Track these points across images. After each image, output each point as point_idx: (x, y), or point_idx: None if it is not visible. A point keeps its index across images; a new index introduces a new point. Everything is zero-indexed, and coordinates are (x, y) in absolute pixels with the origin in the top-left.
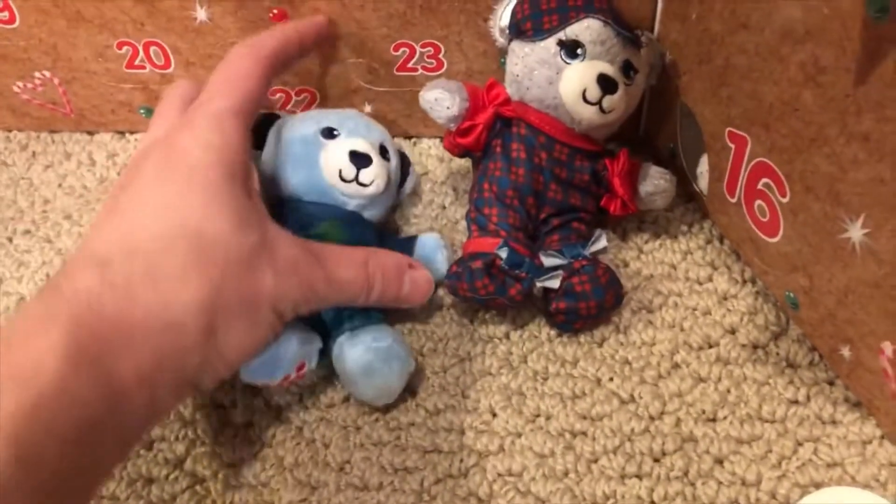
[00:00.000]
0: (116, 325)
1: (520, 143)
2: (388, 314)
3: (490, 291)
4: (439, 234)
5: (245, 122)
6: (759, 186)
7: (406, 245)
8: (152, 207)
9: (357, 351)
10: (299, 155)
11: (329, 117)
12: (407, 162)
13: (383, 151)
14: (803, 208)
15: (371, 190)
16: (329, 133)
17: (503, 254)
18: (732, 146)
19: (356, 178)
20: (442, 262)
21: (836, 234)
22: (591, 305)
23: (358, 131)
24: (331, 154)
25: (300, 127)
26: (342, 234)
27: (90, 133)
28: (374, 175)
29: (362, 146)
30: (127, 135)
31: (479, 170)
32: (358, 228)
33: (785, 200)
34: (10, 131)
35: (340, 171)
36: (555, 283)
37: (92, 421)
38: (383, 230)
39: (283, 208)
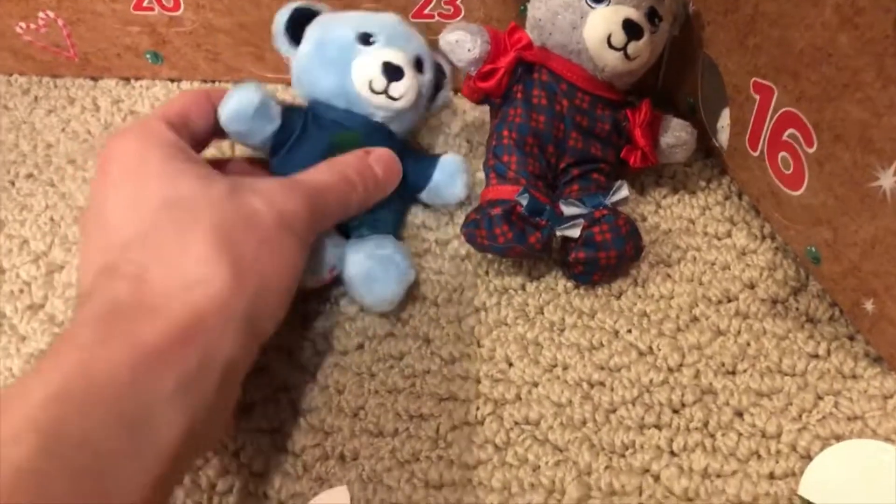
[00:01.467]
0: (137, 299)
1: (541, 90)
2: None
3: (509, 239)
4: (463, 158)
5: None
6: (784, 138)
7: (427, 164)
8: (122, 206)
9: (358, 257)
10: (333, 59)
11: (369, 22)
12: (442, 75)
13: (418, 64)
14: (831, 158)
15: (400, 104)
16: (366, 39)
17: (524, 200)
18: (757, 97)
19: (386, 91)
20: (460, 188)
21: (865, 182)
22: (611, 255)
23: (395, 41)
24: (363, 63)
25: (338, 29)
26: (357, 145)
27: (94, 79)
28: (405, 89)
29: (397, 58)
30: (132, 81)
31: (499, 117)
32: (378, 142)
33: (811, 151)
34: (10, 75)
35: (371, 82)
36: (575, 232)
37: (126, 389)
38: (405, 146)
39: (311, 109)
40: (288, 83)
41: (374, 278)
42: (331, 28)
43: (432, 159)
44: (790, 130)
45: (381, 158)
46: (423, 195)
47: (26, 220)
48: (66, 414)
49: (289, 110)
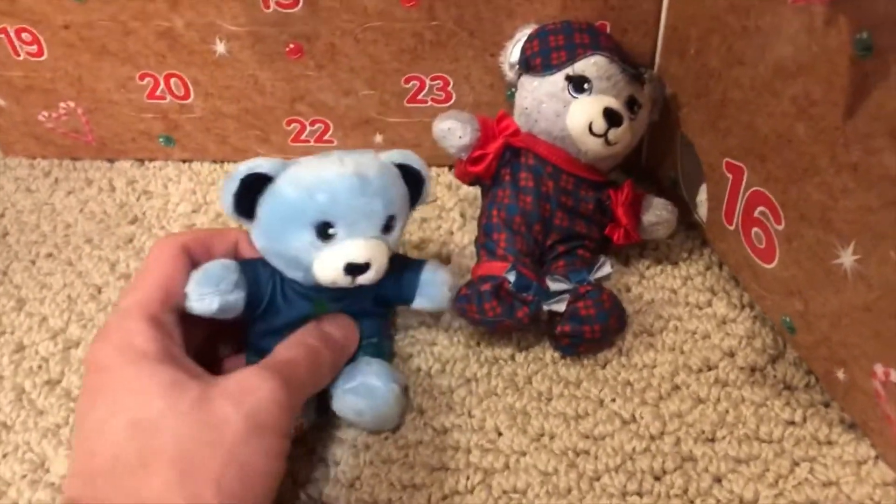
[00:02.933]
0: None
1: (528, 172)
2: (386, 344)
3: (498, 314)
4: (440, 267)
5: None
6: (756, 214)
7: (409, 280)
8: (95, 429)
9: (336, 393)
10: (294, 259)
11: (326, 206)
12: (420, 180)
13: (389, 224)
14: (797, 235)
15: (367, 283)
16: (324, 231)
17: (511, 277)
18: (730, 176)
19: (352, 281)
20: (439, 289)
21: (828, 260)
22: (596, 329)
23: (357, 226)
24: (325, 265)
25: (292, 220)
26: (329, 310)
27: (110, 160)
28: (374, 275)
29: (361, 254)
30: (146, 162)
31: (488, 197)
32: (348, 300)
33: (780, 228)
34: (34, 158)
35: (335, 281)
36: (561, 307)
37: None
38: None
39: (281, 283)
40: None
41: (359, 412)
42: (284, 218)
43: (413, 275)
44: (760, 208)
45: (334, 321)
46: (415, 305)
47: (45, 298)
48: None
49: (254, 282)
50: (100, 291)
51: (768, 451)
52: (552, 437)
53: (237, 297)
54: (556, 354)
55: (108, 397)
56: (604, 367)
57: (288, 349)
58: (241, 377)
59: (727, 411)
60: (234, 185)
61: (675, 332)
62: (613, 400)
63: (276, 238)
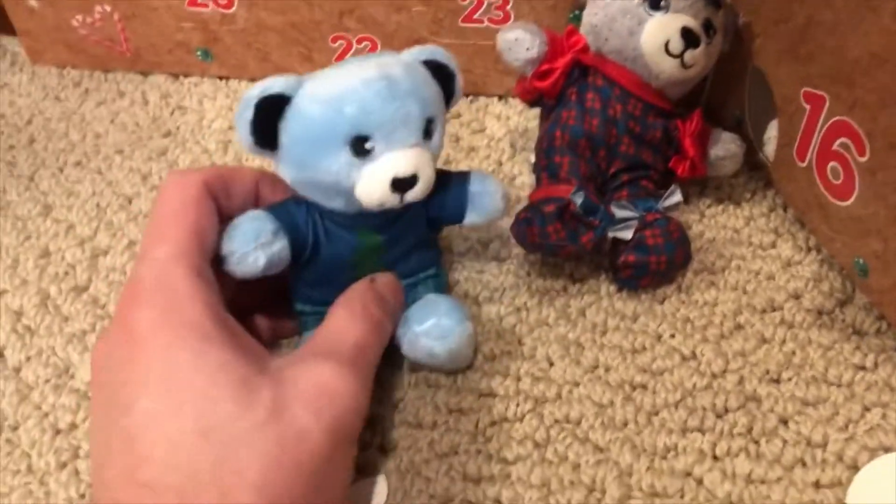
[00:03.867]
0: None
1: (595, 94)
2: (444, 274)
3: (561, 238)
4: (486, 175)
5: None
6: (835, 147)
7: (457, 191)
8: (151, 422)
9: (407, 341)
10: (332, 184)
11: (358, 118)
12: (450, 76)
13: (428, 128)
14: (884, 167)
15: (416, 199)
16: (361, 147)
17: (578, 199)
18: (807, 107)
19: (401, 199)
20: (495, 193)
21: None
22: (662, 260)
23: (396, 134)
24: (370, 185)
25: (322, 142)
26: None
27: (144, 73)
28: (421, 190)
29: (406, 165)
30: (181, 77)
31: (551, 119)
32: (397, 227)
33: (863, 160)
34: (63, 68)
35: (383, 204)
36: (627, 234)
37: None
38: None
39: (321, 218)
40: None
41: (434, 355)
42: (315, 145)
43: (460, 189)
44: (841, 140)
45: (387, 285)
46: (467, 221)
47: (73, 206)
48: None
49: (293, 226)
50: (130, 202)
51: (838, 395)
52: (607, 370)
53: (281, 247)
54: (612, 288)
55: (162, 385)
56: (662, 302)
57: (354, 322)
58: (317, 377)
59: (793, 353)
60: (248, 113)
61: (737, 272)
62: (672, 336)
63: (307, 165)
